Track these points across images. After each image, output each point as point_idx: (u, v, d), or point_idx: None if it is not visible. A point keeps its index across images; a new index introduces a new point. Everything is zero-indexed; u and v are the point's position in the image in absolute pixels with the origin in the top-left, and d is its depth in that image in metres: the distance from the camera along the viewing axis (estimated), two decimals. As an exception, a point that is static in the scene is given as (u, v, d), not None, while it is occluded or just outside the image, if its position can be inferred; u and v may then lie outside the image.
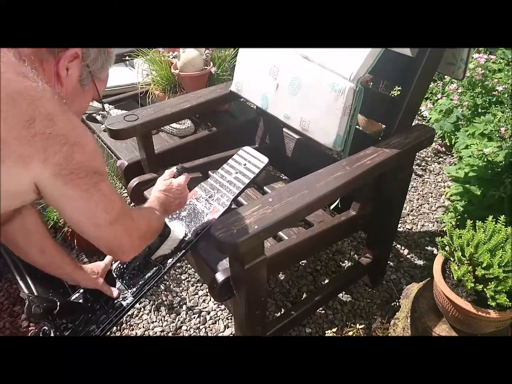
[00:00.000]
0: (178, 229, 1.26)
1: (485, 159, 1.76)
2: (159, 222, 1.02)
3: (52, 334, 1.07)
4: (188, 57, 1.63)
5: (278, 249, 1.18)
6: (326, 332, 1.16)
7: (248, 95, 1.45)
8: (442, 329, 1.19)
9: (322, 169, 1.12)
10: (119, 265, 1.23)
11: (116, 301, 1.16)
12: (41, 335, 1.08)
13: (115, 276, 1.21)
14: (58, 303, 1.07)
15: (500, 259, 1.00)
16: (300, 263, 1.72)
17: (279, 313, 1.50)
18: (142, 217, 0.94)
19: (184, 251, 1.20)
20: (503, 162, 1.67)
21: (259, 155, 1.40)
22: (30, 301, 1.05)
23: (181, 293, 1.61)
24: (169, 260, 1.18)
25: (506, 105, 1.90)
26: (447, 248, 1.11)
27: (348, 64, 1.15)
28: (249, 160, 1.40)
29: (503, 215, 1.11)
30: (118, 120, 1.35)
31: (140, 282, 1.18)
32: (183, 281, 1.66)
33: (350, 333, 1.16)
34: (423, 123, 2.52)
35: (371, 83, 2.55)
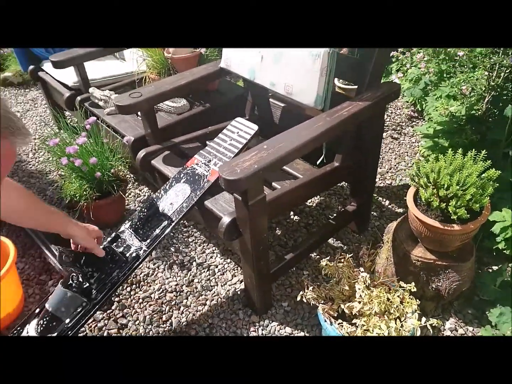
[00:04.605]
0: (183, 190, 1.44)
1: (450, 115, 1.98)
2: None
3: (80, 279, 1.25)
4: (179, 41, 1.81)
5: (274, 195, 1.38)
6: (321, 260, 1.36)
7: (236, 69, 1.64)
8: (419, 251, 1.40)
9: (306, 121, 1.32)
10: (135, 221, 1.41)
11: (133, 251, 1.35)
12: (70, 281, 1.26)
13: (131, 231, 1.39)
14: (84, 254, 1.25)
15: (458, 180, 1.21)
16: (294, 219, 1.92)
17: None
18: None
19: (189, 208, 1.38)
20: (465, 115, 1.89)
21: (249, 123, 1.59)
22: (60, 252, 1.23)
23: (190, 253, 1.80)
24: (175, 217, 1.37)
25: (465, 67, 2.12)
26: (415, 179, 1.31)
27: (322, 31, 1.34)
28: (240, 129, 1.59)
29: (461, 149, 1.33)
30: (124, 98, 1.53)
31: (152, 235, 1.37)
32: (191, 243, 1.84)
33: (342, 261, 1.36)
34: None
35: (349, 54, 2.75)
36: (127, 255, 1.35)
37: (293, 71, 1.44)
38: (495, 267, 1.60)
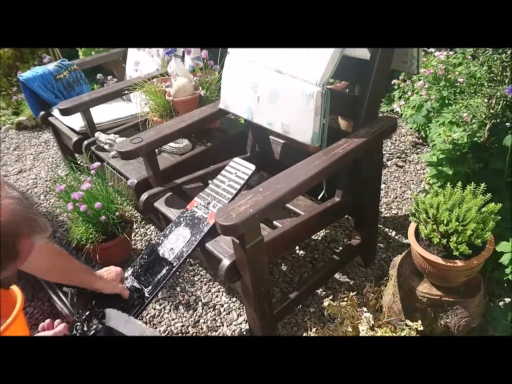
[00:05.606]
0: (183, 234, 1.46)
1: (453, 143, 1.97)
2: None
3: (85, 329, 1.25)
4: (179, 84, 1.87)
5: (274, 234, 1.37)
6: (324, 300, 1.34)
7: (234, 109, 1.68)
8: (424, 287, 1.37)
9: (303, 160, 1.33)
10: (136, 268, 1.42)
11: (135, 298, 1.35)
12: (73, 331, 1.25)
13: (133, 278, 1.40)
14: (94, 295, 1.26)
15: (458, 215, 1.19)
16: (299, 254, 1.90)
17: (285, 298, 1.68)
18: None
19: (189, 252, 1.39)
20: (467, 143, 1.87)
21: (247, 164, 1.60)
22: (71, 294, 1.24)
23: (195, 292, 1.79)
24: (175, 263, 1.38)
25: (466, 93, 2.12)
26: (416, 214, 1.30)
27: (314, 72, 1.37)
28: (238, 169, 1.60)
29: (460, 182, 1.31)
30: (126, 144, 1.57)
31: (154, 282, 1.38)
32: (197, 282, 1.84)
33: (345, 299, 1.34)
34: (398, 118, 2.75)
35: (348, 90, 2.79)
36: (130, 302, 1.35)
37: (288, 111, 1.47)
38: (507, 299, 1.55)
